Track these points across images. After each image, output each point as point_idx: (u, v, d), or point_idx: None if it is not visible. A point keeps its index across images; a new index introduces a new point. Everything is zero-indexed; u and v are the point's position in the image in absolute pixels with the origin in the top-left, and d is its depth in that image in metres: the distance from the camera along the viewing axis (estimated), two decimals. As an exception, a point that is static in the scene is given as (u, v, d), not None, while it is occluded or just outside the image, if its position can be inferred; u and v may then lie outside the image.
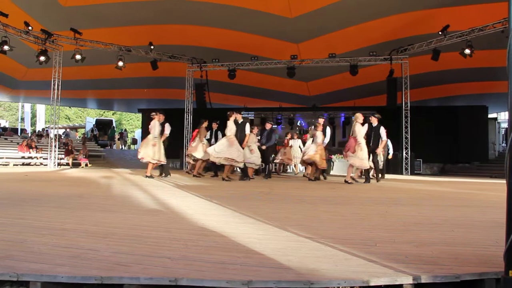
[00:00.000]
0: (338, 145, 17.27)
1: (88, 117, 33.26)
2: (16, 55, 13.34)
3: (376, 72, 14.45)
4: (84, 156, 17.20)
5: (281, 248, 2.43)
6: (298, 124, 19.82)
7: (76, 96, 20.96)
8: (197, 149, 10.26)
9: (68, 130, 29.98)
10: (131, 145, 30.06)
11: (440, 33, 11.98)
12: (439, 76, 14.78)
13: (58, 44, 13.66)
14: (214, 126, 10.97)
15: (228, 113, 8.93)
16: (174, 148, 13.09)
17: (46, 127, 23.57)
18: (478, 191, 7.44)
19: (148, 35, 13.44)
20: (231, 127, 8.73)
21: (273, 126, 10.92)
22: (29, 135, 21.66)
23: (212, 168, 10.57)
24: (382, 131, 8.89)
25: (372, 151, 8.90)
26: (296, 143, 13.19)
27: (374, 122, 8.93)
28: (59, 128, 22.29)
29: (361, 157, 8.25)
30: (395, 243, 2.63)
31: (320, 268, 2.02)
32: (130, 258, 2.17)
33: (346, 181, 8.42)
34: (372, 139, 8.84)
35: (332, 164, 13.65)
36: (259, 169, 10.77)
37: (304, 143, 11.23)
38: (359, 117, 8.48)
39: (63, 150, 17.00)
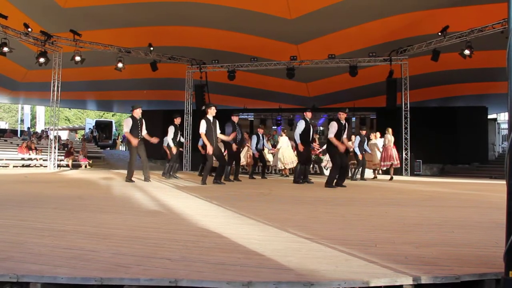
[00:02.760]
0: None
1: (88, 118, 33.30)
2: (16, 57, 13.35)
3: (376, 73, 14.46)
4: (84, 157, 17.19)
5: (281, 249, 2.43)
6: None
7: (75, 98, 20.97)
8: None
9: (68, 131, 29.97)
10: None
11: (439, 34, 11.98)
12: (438, 77, 14.79)
13: (58, 45, 13.67)
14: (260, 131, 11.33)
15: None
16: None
17: (46, 129, 23.57)
18: (478, 192, 7.44)
19: (148, 36, 13.45)
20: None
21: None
22: (28, 135, 21.64)
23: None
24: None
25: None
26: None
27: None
28: (59, 129, 22.28)
29: None
30: (395, 244, 2.63)
31: (320, 269, 2.02)
32: (130, 259, 2.17)
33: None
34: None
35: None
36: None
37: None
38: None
39: (63, 151, 17.00)
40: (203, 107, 7.91)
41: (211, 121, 7.85)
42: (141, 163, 8.76)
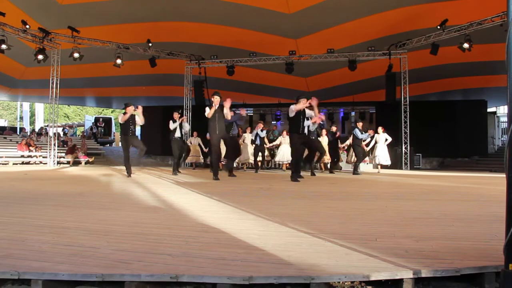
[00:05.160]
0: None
1: (87, 115, 33.21)
2: (14, 54, 13.31)
3: (375, 67, 14.43)
4: (83, 154, 17.18)
5: (281, 244, 2.44)
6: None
7: (74, 95, 20.93)
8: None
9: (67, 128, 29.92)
10: None
11: (438, 27, 11.95)
12: (438, 70, 14.76)
13: (56, 42, 13.63)
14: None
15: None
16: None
17: (45, 126, 23.54)
18: (477, 185, 7.45)
19: (146, 32, 13.40)
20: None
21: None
22: (28, 133, 21.62)
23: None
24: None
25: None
26: (286, 140, 13.16)
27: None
28: (59, 126, 22.26)
29: None
30: (395, 238, 2.64)
31: (320, 263, 2.02)
32: (131, 255, 2.17)
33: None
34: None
35: None
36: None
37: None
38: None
39: (63, 148, 16.97)
40: (212, 95, 8.22)
41: (216, 108, 8.03)
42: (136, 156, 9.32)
